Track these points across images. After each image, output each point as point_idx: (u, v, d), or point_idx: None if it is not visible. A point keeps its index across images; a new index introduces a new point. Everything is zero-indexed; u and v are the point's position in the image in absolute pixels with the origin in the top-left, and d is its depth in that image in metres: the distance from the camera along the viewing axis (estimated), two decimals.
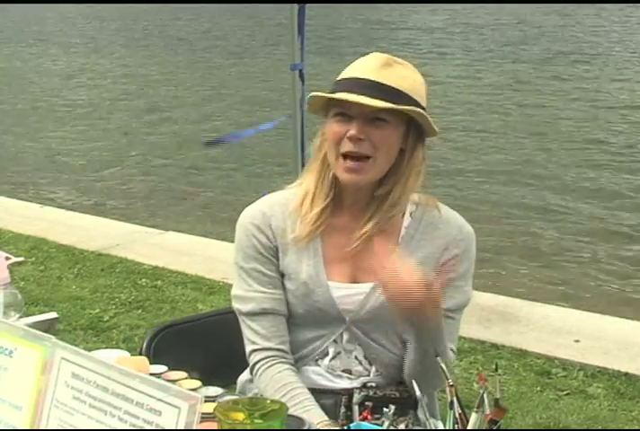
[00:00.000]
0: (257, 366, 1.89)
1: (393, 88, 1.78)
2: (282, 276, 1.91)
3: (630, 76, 13.55)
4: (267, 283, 1.90)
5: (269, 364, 1.87)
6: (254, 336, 1.90)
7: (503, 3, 23.81)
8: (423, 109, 1.82)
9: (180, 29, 23.25)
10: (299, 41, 3.89)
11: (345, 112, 1.80)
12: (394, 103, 1.77)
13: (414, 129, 1.84)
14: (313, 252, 1.89)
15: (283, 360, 1.88)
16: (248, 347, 1.91)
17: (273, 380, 1.85)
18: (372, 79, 1.79)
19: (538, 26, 20.83)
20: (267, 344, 1.88)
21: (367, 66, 1.83)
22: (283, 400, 1.79)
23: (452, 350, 1.92)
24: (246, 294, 1.91)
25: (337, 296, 1.87)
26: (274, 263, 1.90)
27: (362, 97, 1.76)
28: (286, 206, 1.91)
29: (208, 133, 10.48)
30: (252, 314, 1.90)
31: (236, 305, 1.93)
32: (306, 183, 1.91)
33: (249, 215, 1.93)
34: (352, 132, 1.78)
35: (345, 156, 1.80)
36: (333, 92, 1.82)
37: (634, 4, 22.24)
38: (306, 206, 1.88)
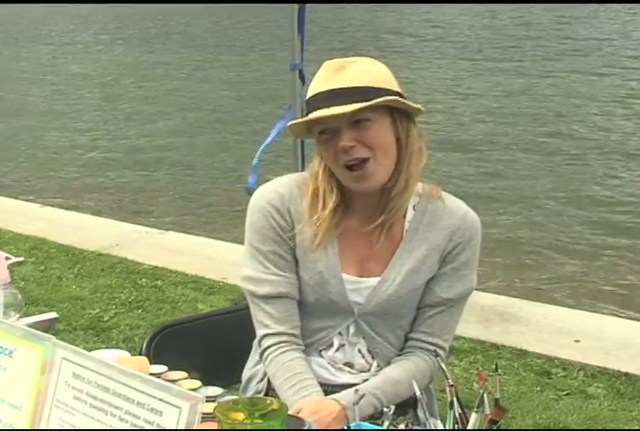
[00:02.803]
0: (268, 351, 1.88)
1: (356, 87, 1.77)
2: (296, 262, 1.90)
3: None
4: (284, 266, 1.89)
5: (281, 350, 1.87)
6: (268, 319, 1.89)
7: (503, 3, 23.74)
8: (398, 93, 1.82)
9: (178, 27, 23.24)
10: (299, 41, 3.88)
11: (327, 128, 1.80)
12: (365, 101, 1.75)
13: (400, 115, 1.83)
14: (329, 244, 1.88)
15: (295, 346, 1.88)
16: (260, 331, 1.90)
17: (284, 367, 1.85)
18: (332, 88, 1.78)
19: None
20: (280, 328, 1.88)
21: (322, 78, 1.82)
22: (292, 389, 1.80)
23: (443, 347, 1.91)
24: (263, 277, 1.89)
25: (349, 289, 1.88)
26: (291, 247, 1.89)
27: (333, 108, 1.75)
28: (302, 189, 1.89)
29: (208, 132, 10.50)
30: (267, 297, 1.88)
31: (250, 287, 1.90)
32: (312, 188, 1.88)
33: (266, 196, 1.90)
34: (342, 143, 1.78)
35: (348, 167, 1.80)
36: (307, 115, 1.82)
37: None
38: (317, 208, 1.86)
